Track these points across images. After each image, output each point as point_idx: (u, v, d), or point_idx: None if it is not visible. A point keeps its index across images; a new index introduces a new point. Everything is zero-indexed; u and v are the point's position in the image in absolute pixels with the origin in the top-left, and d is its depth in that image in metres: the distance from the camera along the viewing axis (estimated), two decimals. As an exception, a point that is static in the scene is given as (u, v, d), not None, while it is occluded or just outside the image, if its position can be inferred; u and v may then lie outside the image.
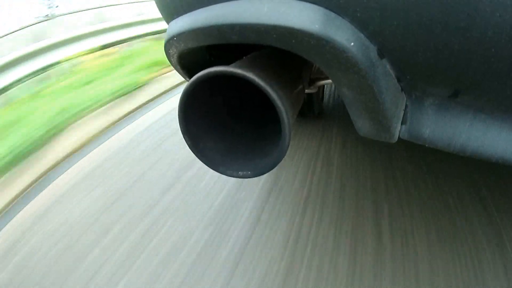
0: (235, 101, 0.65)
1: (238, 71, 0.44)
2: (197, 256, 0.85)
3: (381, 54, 0.44)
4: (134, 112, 1.92)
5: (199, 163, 0.78)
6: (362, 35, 0.42)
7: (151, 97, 2.11)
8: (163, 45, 0.62)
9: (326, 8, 0.41)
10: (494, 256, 0.78)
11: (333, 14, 0.41)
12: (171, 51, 0.61)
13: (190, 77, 0.64)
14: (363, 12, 0.40)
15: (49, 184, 1.27)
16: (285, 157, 0.49)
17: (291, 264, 0.80)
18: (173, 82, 2.30)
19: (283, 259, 0.82)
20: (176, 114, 0.51)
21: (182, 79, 0.81)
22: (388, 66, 0.46)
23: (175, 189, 1.12)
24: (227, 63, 0.49)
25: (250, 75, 0.44)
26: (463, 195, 0.98)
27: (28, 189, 1.28)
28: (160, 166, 1.28)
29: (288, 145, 0.47)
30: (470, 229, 0.86)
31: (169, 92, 2.22)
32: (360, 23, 0.41)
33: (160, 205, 1.05)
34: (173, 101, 2.00)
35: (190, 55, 0.63)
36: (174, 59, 0.64)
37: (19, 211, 1.13)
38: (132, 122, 1.76)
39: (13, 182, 1.34)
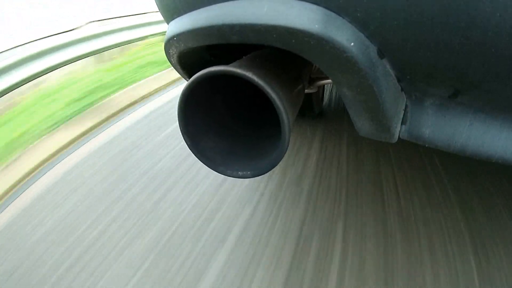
0: (235, 101, 0.65)
1: (238, 70, 0.44)
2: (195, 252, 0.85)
3: (381, 54, 0.44)
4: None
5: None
6: (362, 35, 0.42)
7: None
8: (163, 44, 0.62)
9: (326, 8, 0.41)
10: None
11: (333, 14, 0.41)
12: (171, 51, 0.61)
13: (190, 77, 0.64)
14: (363, 12, 0.40)
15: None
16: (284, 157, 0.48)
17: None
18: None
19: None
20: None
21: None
22: (388, 66, 0.46)
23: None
24: (227, 63, 0.49)
25: (249, 74, 0.43)
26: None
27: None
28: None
29: (288, 145, 0.47)
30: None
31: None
32: (360, 23, 0.41)
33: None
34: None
35: (190, 55, 0.63)
36: (174, 59, 0.64)
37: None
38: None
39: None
